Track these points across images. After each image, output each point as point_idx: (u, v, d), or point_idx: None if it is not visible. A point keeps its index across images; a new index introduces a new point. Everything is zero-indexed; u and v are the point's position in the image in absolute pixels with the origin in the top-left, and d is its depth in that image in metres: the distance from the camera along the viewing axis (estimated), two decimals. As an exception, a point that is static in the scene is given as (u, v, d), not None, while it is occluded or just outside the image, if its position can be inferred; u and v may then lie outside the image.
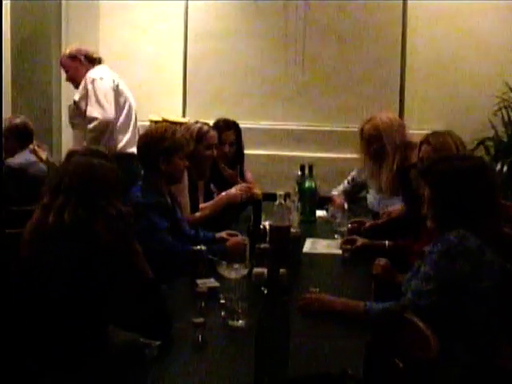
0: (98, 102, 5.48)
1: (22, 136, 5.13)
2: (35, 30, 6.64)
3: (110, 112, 5.50)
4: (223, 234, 4.07)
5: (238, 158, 5.16)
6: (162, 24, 7.06)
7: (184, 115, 7.06)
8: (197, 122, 4.76)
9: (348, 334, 2.72)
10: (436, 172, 3.04)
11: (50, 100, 6.79)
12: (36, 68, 6.65)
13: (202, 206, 4.63)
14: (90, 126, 5.46)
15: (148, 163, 3.83)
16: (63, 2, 6.92)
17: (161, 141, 3.80)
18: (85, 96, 5.55)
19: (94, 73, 5.62)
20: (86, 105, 5.52)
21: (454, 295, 2.73)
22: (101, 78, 5.56)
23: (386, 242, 3.98)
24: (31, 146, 5.19)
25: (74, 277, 2.43)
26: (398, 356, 2.38)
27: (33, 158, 5.12)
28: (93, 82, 5.53)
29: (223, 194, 4.69)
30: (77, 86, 5.68)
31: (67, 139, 6.74)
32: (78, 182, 2.59)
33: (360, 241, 4.01)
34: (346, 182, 5.22)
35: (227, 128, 5.05)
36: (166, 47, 7.09)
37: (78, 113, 5.63)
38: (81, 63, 5.66)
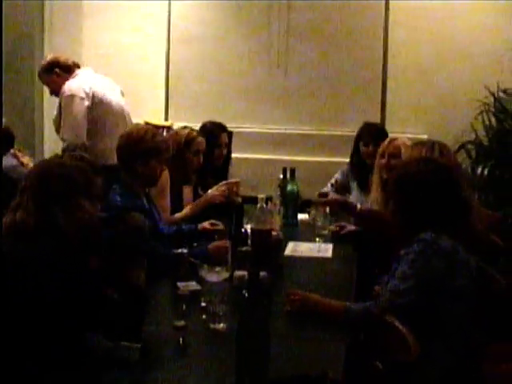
0: (68, 123, 5.28)
1: (2, 140, 5.10)
2: (18, 33, 6.61)
3: (79, 135, 5.25)
4: (206, 225, 4.11)
5: (227, 160, 5.18)
6: (145, 27, 7.06)
7: (167, 119, 7.06)
8: (185, 128, 4.78)
9: (329, 336, 2.73)
10: (393, 178, 3.09)
11: (32, 106, 6.77)
12: (18, 73, 6.62)
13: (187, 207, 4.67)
14: (63, 145, 5.28)
15: (125, 163, 3.82)
16: (46, 6, 6.90)
17: (140, 142, 3.79)
18: (59, 112, 5.40)
19: (68, 85, 5.37)
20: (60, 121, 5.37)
21: (430, 294, 2.76)
22: (72, 96, 5.30)
23: (358, 205, 4.04)
24: (12, 151, 5.17)
25: (31, 275, 2.41)
26: (379, 358, 2.40)
27: (14, 161, 5.10)
28: (66, 98, 5.33)
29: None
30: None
31: (49, 146, 6.73)
32: (34, 181, 2.60)
33: (332, 195, 4.08)
34: (329, 184, 5.23)
35: (222, 130, 5.10)
36: (149, 50, 7.08)
37: (59, 126, 5.41)
38: (58, 75, 5.43)
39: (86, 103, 5.33)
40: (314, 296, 3.02)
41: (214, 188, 4.71)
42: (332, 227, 4.38)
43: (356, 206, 4.13)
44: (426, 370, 2.69)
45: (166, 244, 3.82)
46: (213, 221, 4.17)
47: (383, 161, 4.50)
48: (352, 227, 4.41)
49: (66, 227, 2.53)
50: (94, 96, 5.38)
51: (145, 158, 3.77)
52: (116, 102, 5.56)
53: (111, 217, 3.57)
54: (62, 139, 5.29)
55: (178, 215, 4.46)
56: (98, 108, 5.40)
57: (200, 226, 4.14)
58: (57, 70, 5.43)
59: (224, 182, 4.80)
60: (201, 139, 4.68)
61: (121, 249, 3.44)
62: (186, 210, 4.55)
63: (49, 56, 5.63)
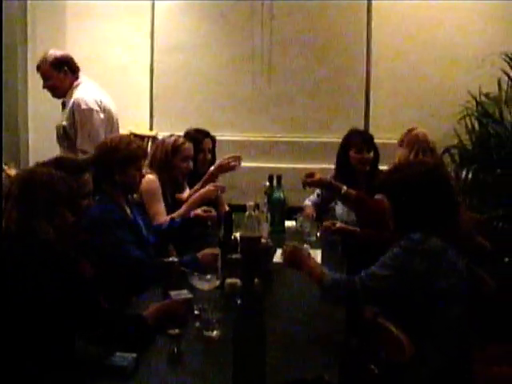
0: (89, 135, 5.23)
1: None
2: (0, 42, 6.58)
3: None
4: (199, 211, 4.22)
5: (212, 165, 5.19)
6: (129, 37, 7.06)
7: (151, 128, 7.06)
8: (171, 136, 4.79)
9: (324, 340, 2.75)
10: (388, 183, 3.12)
11: (15, 116, 6.74)
12: (2, 83, 6.59)
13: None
14: (81, 155, 5.14)
15: (103, 174, 3.81)
16: (28, 16, 6.89)
17: (115, 152, 3.79)
18: (73, 123, 5.27)
19: (81, 98, 5.28)
20: (76, 133, 5.25)
21: (410, 291, 2.81)
22: (90, 109, 5.24)
23: (344, 187, 4.24)
24: (-1, 165, 5.14)
25: (12, 278, 2.42)
26: (373, 361, 2.41)
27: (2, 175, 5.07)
28: (82, 112, 5.23)
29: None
30: (56, 96, 5.39)
31: (34, 154, 6.71)
32: (18, 189, 2.61)
33: (318, 175, 4.31)
34: (315, 193, 5.24)
35: (205, 135, 5.14)
36: (133, 60, 7.08)
37: (65, 137, 5.31)
38: (65, 74, 5.30)
39: (102, 116, 5.33)
40: (302, 253, 3.21)
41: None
42: (326, 223, 4.42)
43: (342, 187, 4.18)
44: (416, 371, 2.71)
45: (151, 253, 3.84)
46: (205, 207, 4.25)
47: (401, 149, 4.52)
48: (342, 225, 4.44)
49: (46, 235, 2.54)
50: (104, 109, 5.38)
51: (122, 166, 3.77)
52: (116, 112, 5.58)
53: (91, 231, 3.57)
54: (81, 150, 5.17)
55: (173, 215, 4.47)
56: (107, 120, 5.41)
57: (192, 213, 4.21)
58: (66, 68, 5.31)
59: (226, 156, 4.90)
60: (188, 145, 4.70)
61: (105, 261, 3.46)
62: (183, 208, 4.54)
63: (57, 51, 5.42)
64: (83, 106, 5.27)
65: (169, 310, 2.89)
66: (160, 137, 6.61)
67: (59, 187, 2.66)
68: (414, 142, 4.45)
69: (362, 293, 2.85)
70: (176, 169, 4.63)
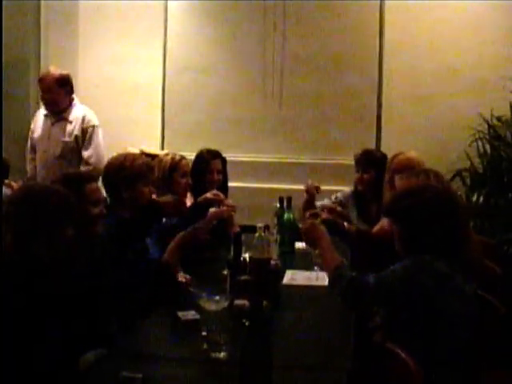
0: (96, 150, 5.62)
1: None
2: (13, 59, 6.61)
3: (104, 162, 5.35)
4: (208, 195, 4.48)
5: (223, 187, 5.19)
6: (141, 57, 7.10)
7: (162, 148, 7.08)
8: (167, 154, 4.88)
9: (330, 364, 2.73)
10: (397, 209, 3.10)
11: (26, 129, 6.76)
12: (12, 100, 6.61)
13: None
14: (83, 169, 5.51)
15: (110, 193, 3.81)
16: (42, 36, 6.93)
17: (120, 169, 3.80)
18: (81, 136, 5.63)
19: (87, 113, 5.69)
20: (83, 146, 5.63)
21: (412, 302, 2.82)
22: (98, 126, 5.67)
23: (345, 224, 4.26)
24: (7, 181, 5.16)
25: (14, 300, 2.42)
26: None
27: (9, 191, 5.08)
28: (93, 128, 5.65)
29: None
30: (52, 110, 5.71)
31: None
32: (15, 208, 2.61)
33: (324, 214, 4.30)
34: (333, 197, 5.25)
35: (214, 156, 5.16)
36: (145, 80, 7.12)
37: (74, 149, 5.67)
38: (66, 92, 5.67)
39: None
40: (322, 230, 3.33)
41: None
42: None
43: (343, 223, 4.19)
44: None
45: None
46: (215, 191, 4.52)
47: (387, 177, 4.45)
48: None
49: (41, 259, 2.53)
50: None
51: (129, 183, 3.76)
52: None
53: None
54: (87, 163, 5.57)
55: None
56: None
57: (200, 198, 4.49)
58: (68, 87, 5.67)
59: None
60: (185, 161, 4.81)
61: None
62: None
63: (62, 70, 5.75)
64: (93, 122, 5.69)
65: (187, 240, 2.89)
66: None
67: (56, 202, 2.65)
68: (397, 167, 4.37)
69: (374, 292, 2.89)
70: (176, 185, 4.71)
